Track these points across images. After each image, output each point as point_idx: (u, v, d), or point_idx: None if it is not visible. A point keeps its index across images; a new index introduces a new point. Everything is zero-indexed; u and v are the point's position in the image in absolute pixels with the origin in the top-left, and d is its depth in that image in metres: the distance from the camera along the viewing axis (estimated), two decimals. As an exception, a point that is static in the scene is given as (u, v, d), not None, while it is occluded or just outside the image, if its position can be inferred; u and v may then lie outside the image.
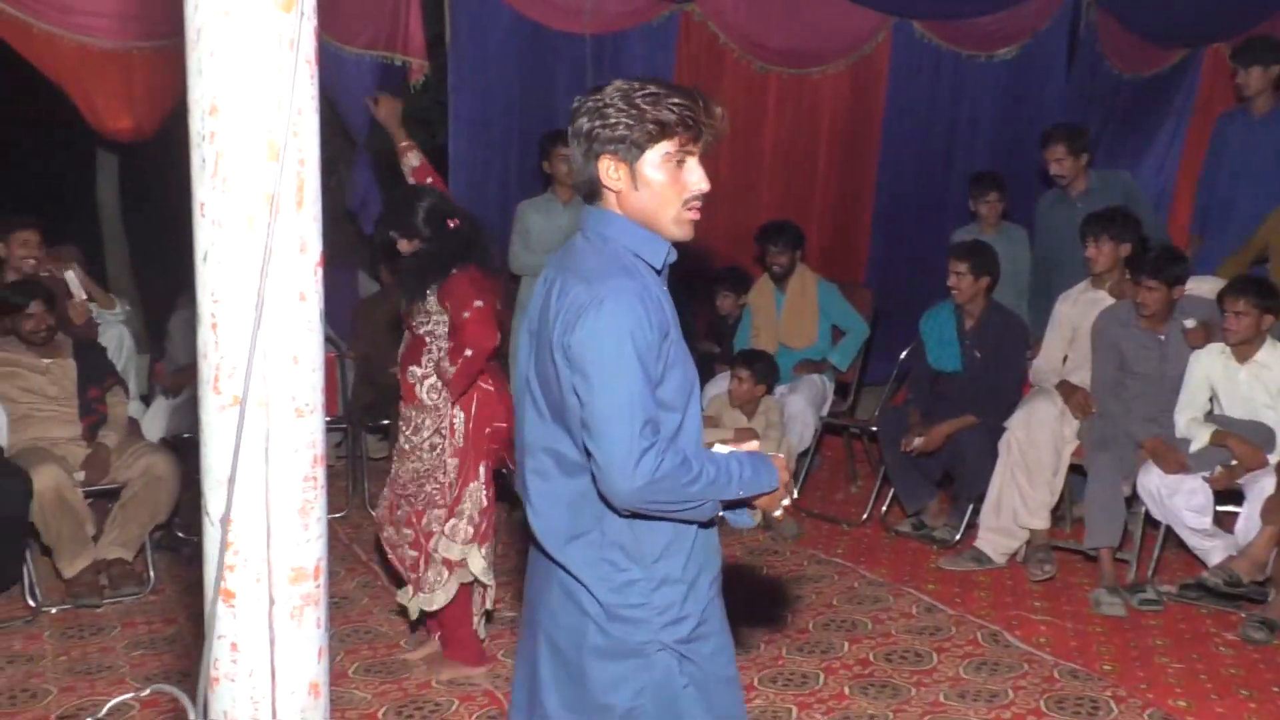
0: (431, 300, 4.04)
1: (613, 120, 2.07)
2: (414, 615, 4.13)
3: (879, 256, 7.82)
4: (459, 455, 4.04)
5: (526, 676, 2.29)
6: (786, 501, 2.23)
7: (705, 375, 6.38)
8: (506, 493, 4.49)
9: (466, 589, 4.09)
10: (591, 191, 2.16)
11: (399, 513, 4.11)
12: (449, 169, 7.08)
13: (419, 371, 4.09)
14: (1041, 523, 5.07)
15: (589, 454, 2.04)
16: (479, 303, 3.98)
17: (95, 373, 5.19)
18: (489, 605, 4.24)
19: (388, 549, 4.17)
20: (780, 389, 6.02)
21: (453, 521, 3.99)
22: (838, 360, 6.32)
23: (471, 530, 4.00)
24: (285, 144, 1.30)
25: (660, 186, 2.10)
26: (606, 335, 2.00)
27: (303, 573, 1.40)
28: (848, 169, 7.76)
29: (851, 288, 6.69)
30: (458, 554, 3.98)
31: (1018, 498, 5.06)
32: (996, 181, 6.51)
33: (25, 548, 4.74)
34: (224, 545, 1.34)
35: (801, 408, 6.00)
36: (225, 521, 1.34)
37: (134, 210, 8.80)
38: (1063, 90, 7.82)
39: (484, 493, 4.06)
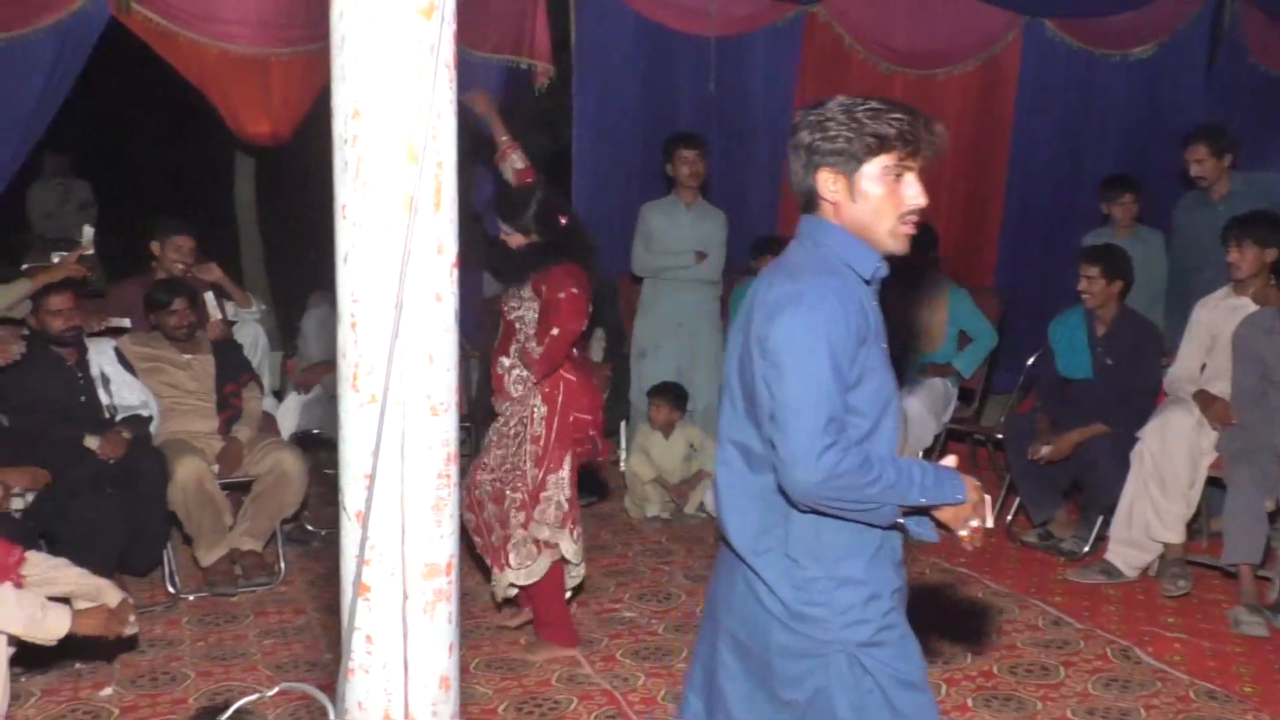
0: (528, 287, 4.15)
1: (833, 133, 2.13)
2: (501, 595, 4.30)
3: (1007, 261, 7.66)
4: (539, 445, 4.14)
5: (705, 665, 2.34)
6: (976, 523, 2.20)
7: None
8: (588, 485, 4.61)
9: (558, 568, 4.21)
10: (809, 202, 2.23)
11: (478, 492, 4.23)
12: (573, 171, 7.15)
13: (507, 362, 4.21)
14: (1176, 536, 4.90)
15: (773, 446, 2.09)
16: (575, 289, 4.09)
17: (232, 369, 5.35)
18: (575, 584, 4.41)
19: (473, 537, 4.26)
20: (900, 391, 5.93)
21: (540, 506, 4.11)
22: (963, 366, 6.21)
23: (560, 514, 4.11)
24: (424, 147, 1.32)
25: (877, 200, 2.14)
26: (802, 328, 2.05)
27: (435, 568, 1.42)
28: (975, 172, 7.61)
29: (979, 292, 6.57)
30: (548, 535, 4.10)
31: (1151, 510, 4.90)
32: (1131, 184, 6.32)
33: (168, 535, 4.91)
34: (362, 540, 1.37)
35: (919, 410, 5.92)
36: (362, 517, 1.37)
37: (268, 212, 9.06)
38: (1201, 89, 7.57)
39: (567, 481, 4.16)
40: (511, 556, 4.14)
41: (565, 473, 4.17)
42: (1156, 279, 6.15)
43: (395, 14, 1.29)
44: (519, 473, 4.16)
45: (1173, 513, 4.87)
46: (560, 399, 4.16)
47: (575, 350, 4.28)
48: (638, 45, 7.02)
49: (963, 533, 2.20)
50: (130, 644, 4.15)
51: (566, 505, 4.16)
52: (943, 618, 4.61)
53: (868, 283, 2.21)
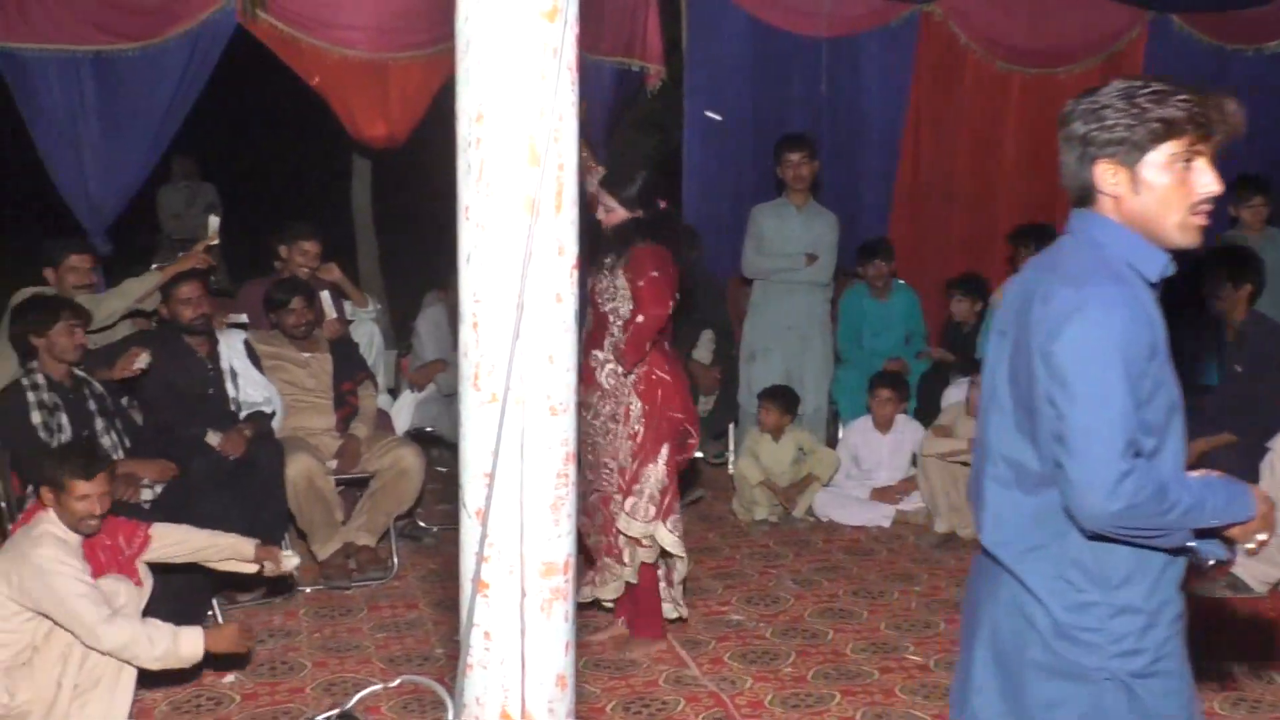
0: (621, 276, 4.17)
1: (1110, 122, 1.99)
2: (612, 596, 4.32)
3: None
4: (636, 441, 4.17)
5: (962, 675, 2.26)
6: (1264, 536, 2.05)
7: (941, 385, 6.22)
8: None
9: (650, 566, 4.24)
10: (1084, 197, 2.08)
11: (590, 499, 4.23)
12: (683, 172, 7.15)
13: (601, 356, 4.23)
14: (1308, 556, 4.69)
15: (1058, 466, 1.96)
16: (655, 273, 4.13)
17: (348, 367, 5.45)
18: (681, 577, 4.42)
19: (583, 536, 4.29)
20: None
21: (631, 500, 4.14)
22: None
23: (653, 508, 4.13)
24: (546, 150, 1.33)
25: (1164, 190, 1.98)
26: (1093, 345, 1.90)
27: (553, 567, 1.44)
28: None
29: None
30: (639, 531, 4.13)
31: (1280, 525, 4.71)
32: (1261, 185, 6.10)
33: (284, 528, 5.01)
34: (482, 538, 1.38)
35: None
36: (482, 515, 1.38)
37: (384, 213, 9.22)
38: (1338, 84, 7.28)
39: (664, 472, 4.17)
40: (625, 554, 4.18)
41: (661, 466, 4.18)
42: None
43: (519, 18, 1.30)
44: (609, 470, 4.20)
45: (1304, 528, 4.67)
46: (659, 398, 4.20)
47: (666, 345, 4.30)
48: (749, 46, 7.00)
49: (1248, 545, 2.07)
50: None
51: (659, 498, 4.17)
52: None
53: (1153, 285, 2.04)
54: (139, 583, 3.74)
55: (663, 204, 4.33)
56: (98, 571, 3.60)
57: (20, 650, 3.49)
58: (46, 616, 3.44)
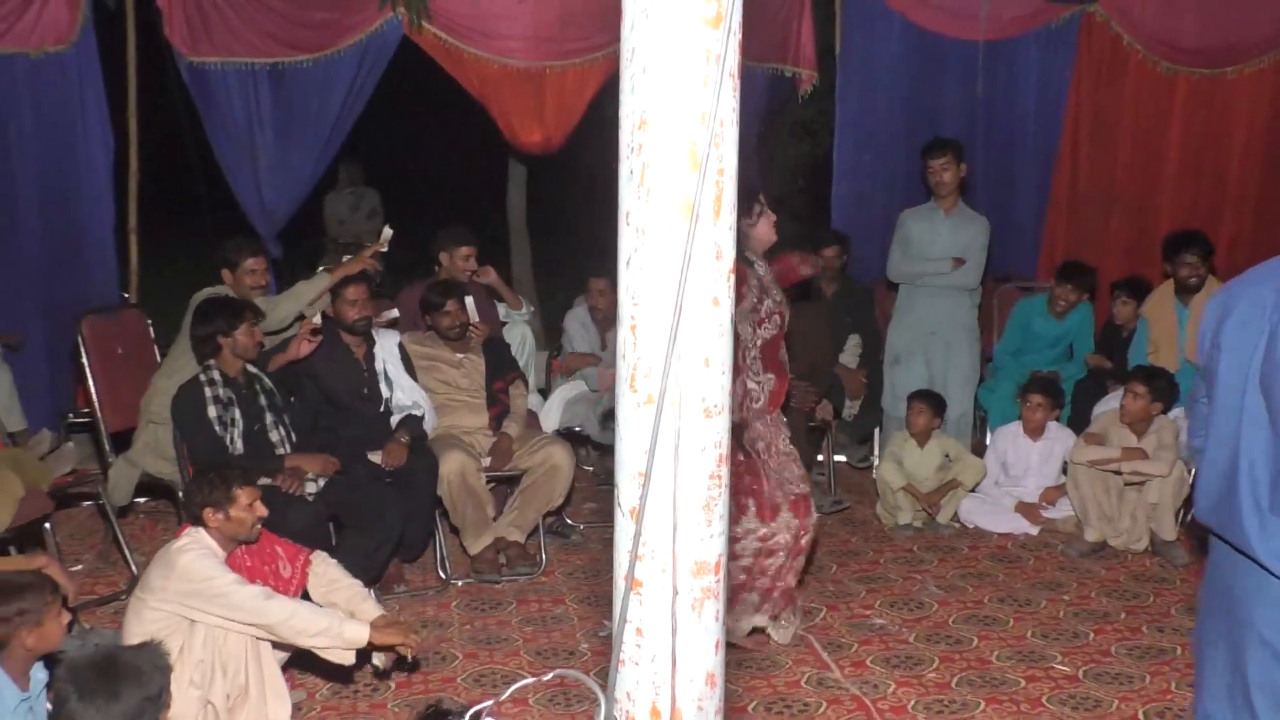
0: (778, 290, 4.24)
1: None
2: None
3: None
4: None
5: (1227, 676, 2.26)
6: None
7: (1097, 392, 6.02)
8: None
9: None
10: None
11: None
12: (834, 175, 7.09)
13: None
14: None
15: None
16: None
17: (500, 367, 5.53)
18: None
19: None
20: (1176, 411, 5.58)
21: None
22: None
23: None
24: (707, 155, 1.33)
25: None
26: None
27: (705, 566, 1.43)
28: (1270, 177, 7.10)
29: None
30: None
31: None
32: None
33: (435, 523, 5.12)
34: (636, 536, 1.39)
35: None
36: (637, 514, 1.39)
37: (537, 217, 9.35)
38: None
39: None
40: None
41: None
42: None
43: (684, 24, 1.30)
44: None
45: None
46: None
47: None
48: (903, 50, 6.91)
49: None
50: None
51: None
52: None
53: None
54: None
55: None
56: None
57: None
58: (196, 621, 3.45)
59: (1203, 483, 2.32)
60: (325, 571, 3.80)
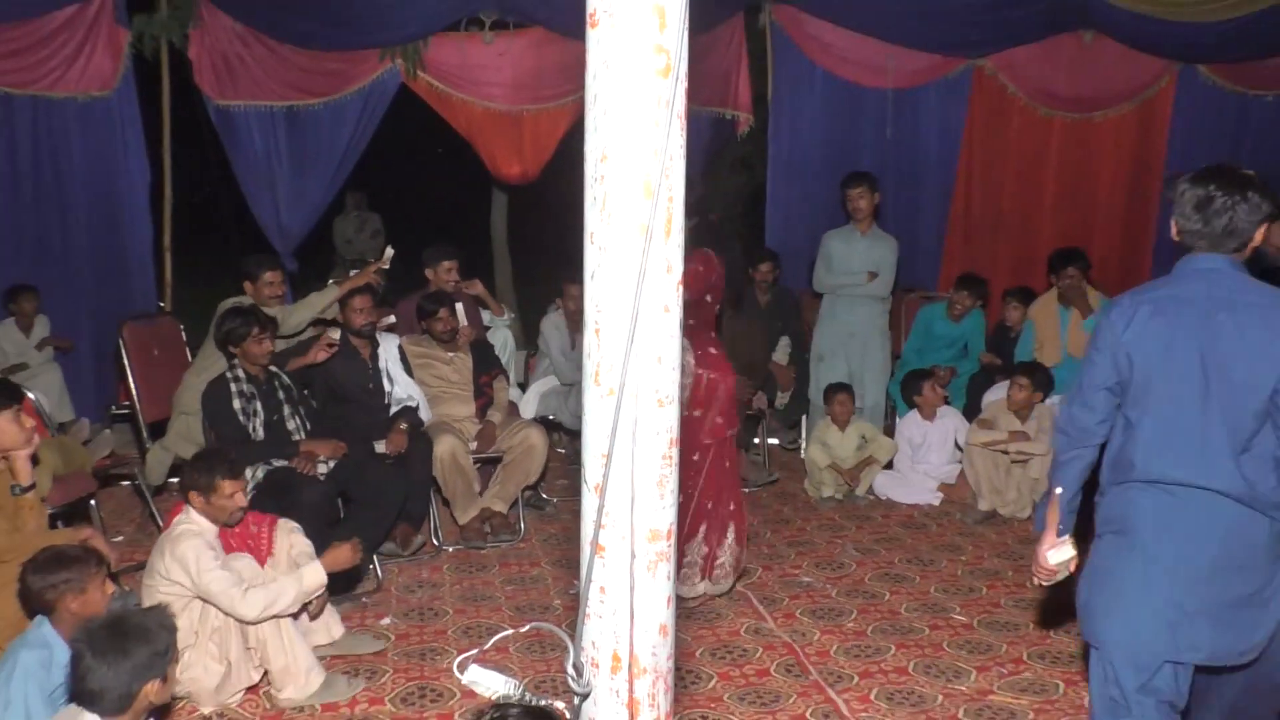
0: None
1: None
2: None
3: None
4: None
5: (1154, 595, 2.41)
6: None
7: (988, 385, 6.09)
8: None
9: None
10: (1238, 246, 2.37)
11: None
12: (767, 202, 7.11)
13: None
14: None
15: None
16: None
17: (485, 364, 5.49)
18: None
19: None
20: (1053, 399, 5.66)
21: None
22: None
23: None
24: (659, 185, 1.33)
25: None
26: None
27: (658, 533, 1.43)
28: (1131, 203, 7.25)
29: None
30: None
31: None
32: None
33: (430, 496, 5.09)
34: (600, 508, 1.39)
35: None
36: (600, 489, 1.39)
37: (516, 237, 9.32)
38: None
39: None
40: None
41: None
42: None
43: (638, 74, 1.30)
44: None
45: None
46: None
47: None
48: (824, 97, 6.95)
49: None
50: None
51: None
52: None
53: None
54: (262, 561, 3.69)
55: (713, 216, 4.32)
56: (227, 549, 3.59)
57: (184, 634, 3.43)
58: (199, 599, 3.44)
59: (1147, 443, 2.38)
60: (287, 537, 3.81)
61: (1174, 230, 2.43)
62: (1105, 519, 2.51)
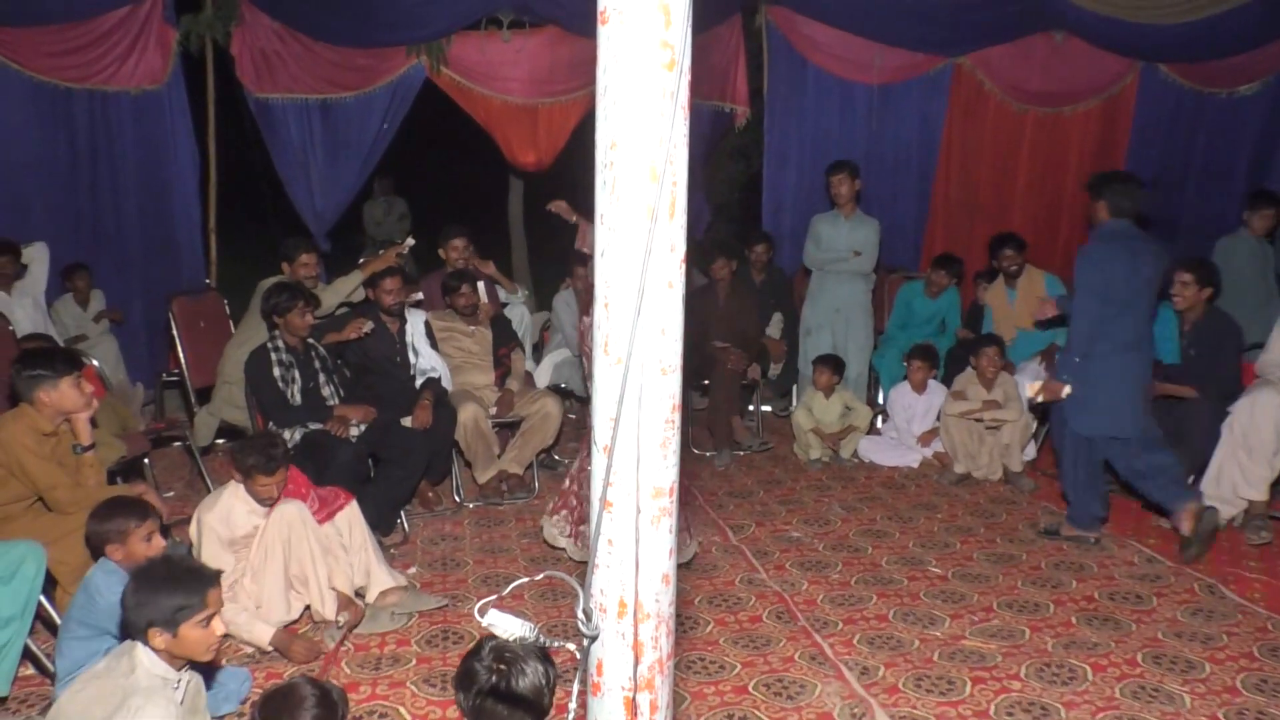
0: None
1: None
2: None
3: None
4: None
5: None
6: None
7: (964, 359, 6.07)
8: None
9: None
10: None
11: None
12: (763, 189, 7.07)
13: None
14: (1260, 495, 4.49)
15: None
16: None
17: (503, 337, 5.49)
18: None
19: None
20: (1020, 367, 5.66)
21: None
22: (1063, 341, 5.85)
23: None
24: (664, 170, 1.31)
25: None
26: None
27: (661, 490, 1.43)
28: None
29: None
30: None
31: (1238, 472, 4.51)
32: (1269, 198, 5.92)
33: (452, 459, 5.12)
34: (608, 468, 1.38)
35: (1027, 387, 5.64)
36: (609, 450, 1.38)
37: (531, 222, 9.28)
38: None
39: None
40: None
41: None
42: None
43: (645, 69, 1.29)
44: None
45: (1258, 474, 4.48)
46: None
47: None
48: (815, 92, 6.89)
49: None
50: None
51: None
52: (1053, 550, 4.38)
53: None
54: (319, 519, 3.67)
55: None
56: (285, 494, 3.61)
57: (238, 578, 3.52)
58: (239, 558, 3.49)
59: None
60: (350, 528, 3.77)
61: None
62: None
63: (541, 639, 1.42)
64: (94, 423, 3.67)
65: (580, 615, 1.41)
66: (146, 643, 2.24)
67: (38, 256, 5.95)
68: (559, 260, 6.31)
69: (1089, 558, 4.30)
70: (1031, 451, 5.62)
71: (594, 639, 1.43)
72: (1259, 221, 5.77)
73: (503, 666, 1.69)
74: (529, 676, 1.65)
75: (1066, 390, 4.24)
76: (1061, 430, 4.42)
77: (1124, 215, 4.21)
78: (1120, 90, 6.98)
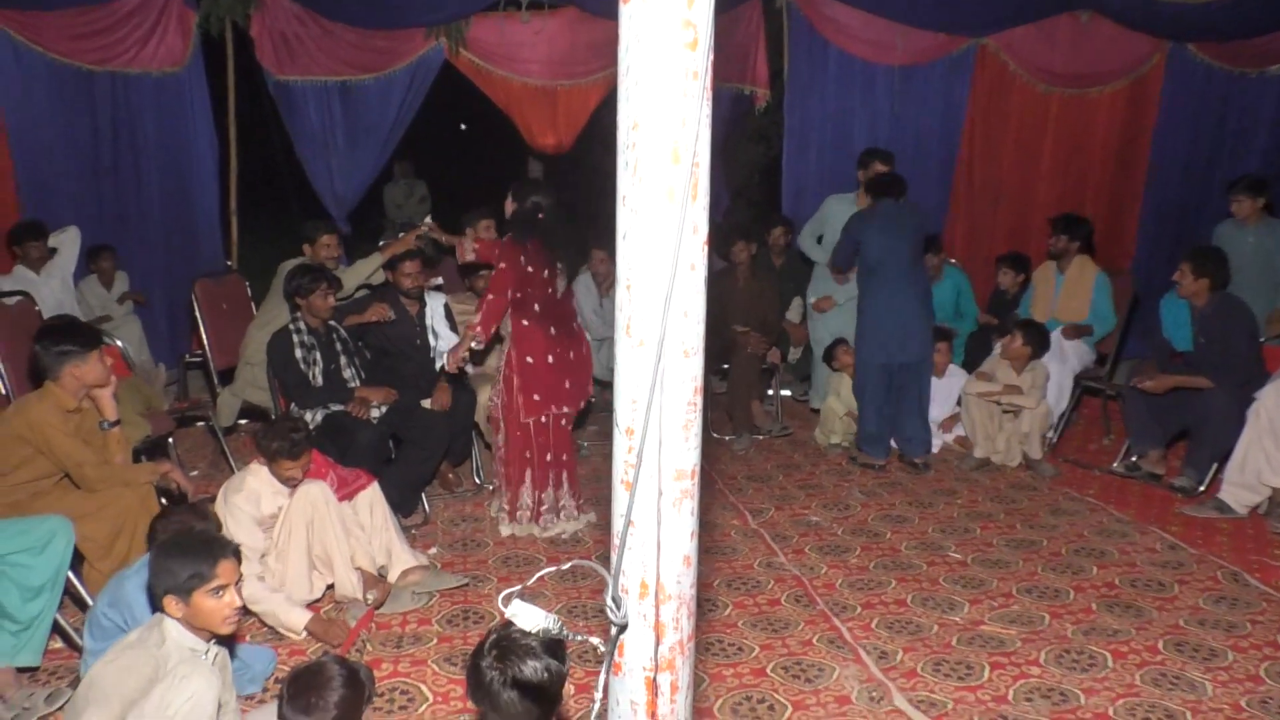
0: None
1: None
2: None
3: (1145, 248, 7.16)
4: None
5: None
6: None
7: (985, 343, 6.03)
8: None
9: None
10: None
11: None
12: (782, 173, 7.02)
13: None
14: (1285, 482, 4.46)
15: None
16: (503, 264, 4.22)
17: (523, 320, 5.49)
18: None
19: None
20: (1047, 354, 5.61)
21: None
22: (1096, 332, 5.80)
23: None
24: (686, 151, 1.31)
25: None
26: None
27: (683, 473, 1.43)
28: (1119, 175, 7.12)
29: (1117, 274, 6.09)
30: None
31: (1263, 459, 4.47)
32: (1256, 186, 5.78)
33: (473, 440, 5.13)
34: (629, 450, 1.39)
35: (1058, 370, 5.59)
36: (632, 432, 1.38)
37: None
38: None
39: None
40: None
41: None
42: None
43: (668, 48, 1.28)
44: None
45: (1283, 462, 4.44)
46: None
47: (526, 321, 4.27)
48: (836, 74, 6.82)
49: None
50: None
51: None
52: (1074, 537, 4.36)
53: None
54: (340, 497, 3.73)
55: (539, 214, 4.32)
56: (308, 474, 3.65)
57: (266, 553, 3.56)
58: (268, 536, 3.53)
59: None
60: (370, 508, 3.81)
61: None
62: None
63: (564, 631, 1.42)
64: (118, 399, 3.71)
65: (610, 603, 1.42)
66: (165, 611, 2.28)
67: (67, 239, 6.02)
68: (577, 240, 6.30)
69: (1110, 544, 4.28)
70: (1053, 436, 5.59)
71: (624, 629, 1.43)
72: (1237, 208, 5.71)
73: (501, 664, 1.72)
74: (527, 672, 1.67)
75: None
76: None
77: None
78: (1147, 71, 6.87)
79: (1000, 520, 4.63)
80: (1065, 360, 5.66)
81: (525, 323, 4.27)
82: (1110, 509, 4.72)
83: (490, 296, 4.19)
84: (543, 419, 4.32)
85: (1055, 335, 5.61)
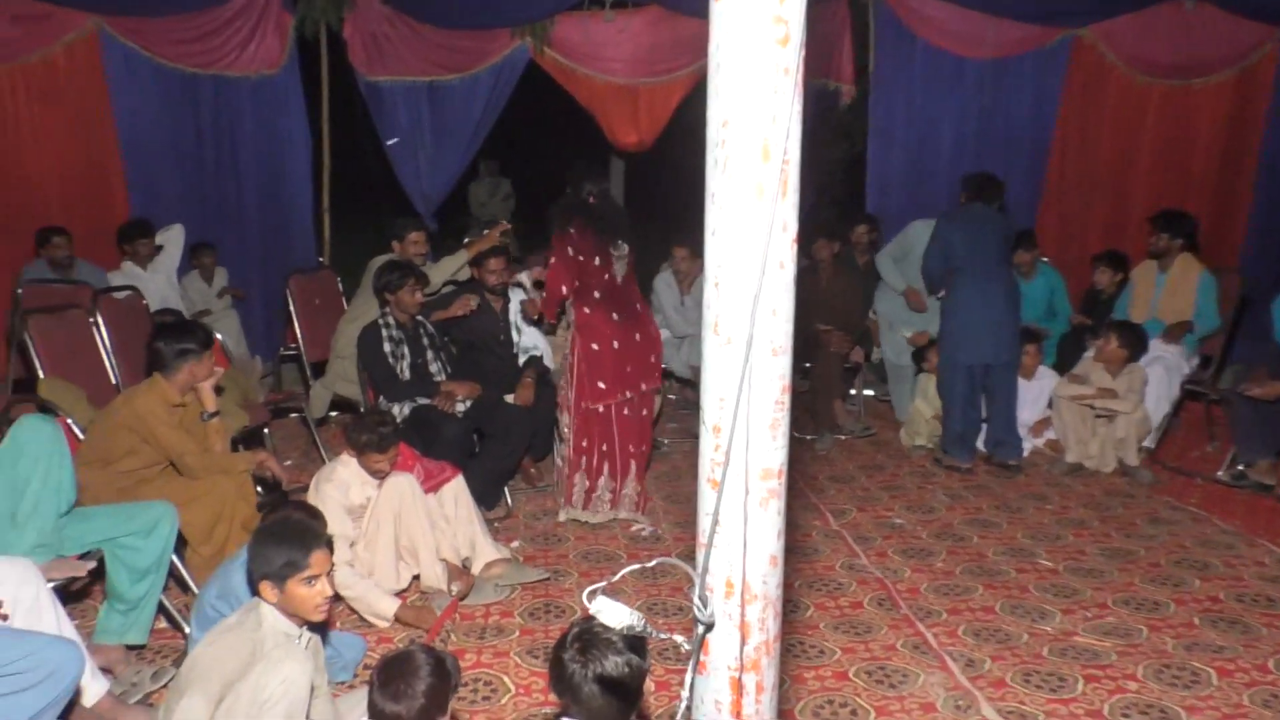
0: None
1: None
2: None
3: (1254, 247, 6.81)
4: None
5: None
6: None
7: (1078, 345, 5.85)
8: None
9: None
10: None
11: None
12: (867, 170, 6.92)
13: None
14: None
15: None
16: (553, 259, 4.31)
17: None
18: None
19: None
20: (1147, 357, 5.40)
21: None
22: (1200, 329, 5.57)
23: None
24: (776, 148, 1.30)
25: None
26: None
27: (770, 472, 1.41)
28: (1226, 170, 6.80)
29: (1224, 272, 5.83)
30: None
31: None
32: None
33: (554, 435, 5.12)
34: (716, 448, 1.38)
35: (1160, 373, 5.38)
36: (719, 430, 1.38)
37: (632, 201, 9.30)
38: None
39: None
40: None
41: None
42: None
43: (759, 44, 1.27)
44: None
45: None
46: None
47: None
48: (924, 68, 6.69)
49: None
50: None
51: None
52: (1175, 548, 4.19)
53: None
54: (426, 489, 3.80)
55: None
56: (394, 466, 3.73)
57: (355, 541, 3.64)
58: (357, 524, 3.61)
59: None
60: (455, 501, 3.89)
61: None
62: None
63: (648, 628, 1.43)
64: (218, 390, 3.85)
65: (696, 601, 1.41)
66: (261, 595, 2.36)
67: (172, 237, 6.28)
68: (659, 241, 6.31)
69: (1214, 556, 4.11)
70: (1152, 442, 5.38)
71: (710, 627, 1.43)
72: None
73: (584, 657, 1.73)
74: (609, 666, 1.68)
75: None
76: None
77: None
78: (1257, 61, 6.56)
79: (1094, 528, 4.48)
80: (1166, 364, 5.45)
81: (587, 310, 4.32)
82: (1214, 519, 4.53)
83: (544, 294, 4.35)
84: (600, 408, 4.34)
85: (1154, 341, 5.41)
